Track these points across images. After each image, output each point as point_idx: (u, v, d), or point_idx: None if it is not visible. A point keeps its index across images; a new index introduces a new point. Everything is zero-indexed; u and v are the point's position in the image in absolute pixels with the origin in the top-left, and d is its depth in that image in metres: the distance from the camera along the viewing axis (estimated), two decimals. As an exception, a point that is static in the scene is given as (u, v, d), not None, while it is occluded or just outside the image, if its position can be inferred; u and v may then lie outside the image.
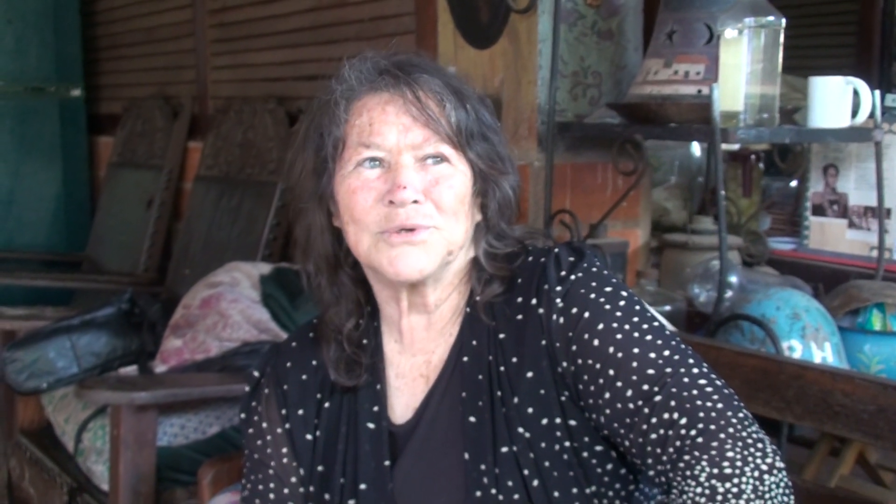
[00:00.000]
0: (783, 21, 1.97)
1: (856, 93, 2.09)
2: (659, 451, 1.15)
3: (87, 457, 2.50)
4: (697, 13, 2.16)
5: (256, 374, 1.42)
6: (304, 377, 1.38)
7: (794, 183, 2.65)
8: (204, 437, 2.45)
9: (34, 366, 2.70)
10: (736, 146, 2.53)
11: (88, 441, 2.52)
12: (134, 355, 2.82)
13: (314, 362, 1.38)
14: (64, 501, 2.57)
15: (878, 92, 2.11)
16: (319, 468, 1.36)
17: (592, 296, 1.24)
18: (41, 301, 3.80)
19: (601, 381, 1.20)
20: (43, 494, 2.73)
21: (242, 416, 1.42)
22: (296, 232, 1.38)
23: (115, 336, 2.81)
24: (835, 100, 2.09)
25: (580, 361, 1.22)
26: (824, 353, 1.92)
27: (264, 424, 1.39)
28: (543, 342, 1.25)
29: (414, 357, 1.35)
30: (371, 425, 1.34)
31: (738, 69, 1.96)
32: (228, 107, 3.66)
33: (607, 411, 1.20)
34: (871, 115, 2.10)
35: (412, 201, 1.24)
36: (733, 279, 2.14)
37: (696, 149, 2.80)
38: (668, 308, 2.24)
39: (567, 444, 1.24)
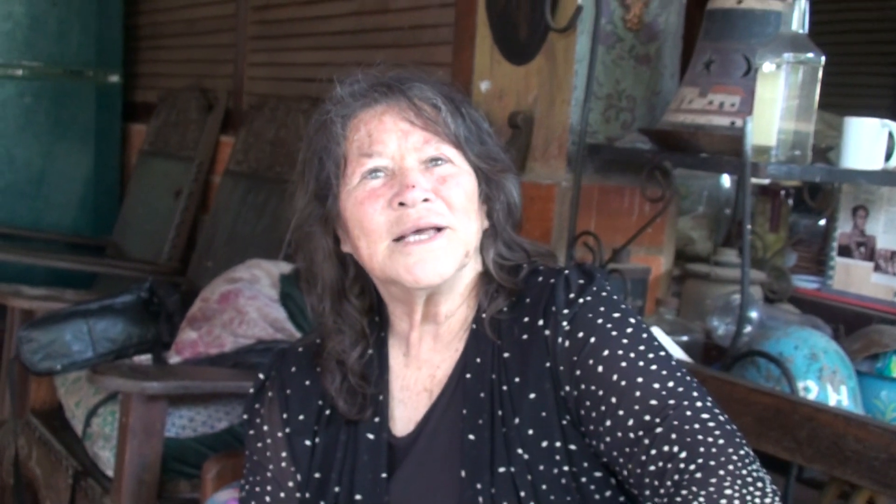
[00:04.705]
0: (823, 59, 1.95)
1: (891, 135, 2.07)
2: (657, 483, 1.13)
3: (94, 441, 2.51)
4: (737, 44, 2.14)
5: (261, 376, 1.42)
6: (307, 382, 1.38)
7: (822, 221, 2.62)
8: (212, 432, 2.45)
9: (50, 347, 2.71)
10: (766, 181, 2.51)
11: (97, 426, 2.52)
12: (149, 344, 2.83)
13: (319, 368, 1.38)
14: (68, 484, 2.58)
15: (913, 136, 2.08)
16: (316, 475, 1.35)
17: (600, 321, 1.23)
18: (63, 283, 3.82)
19: (603, 408, 1.19)
20: (48, 475, 2.74)
21: (245, 417, 1.42)
22: (298, 260, 1.37)
23: (131, 323, 2.82)
24: (869, 141, 2.07)
25: (583, 387, 1.22)
26: (840, 397, 1.90)
27: (265, 427, 1.39)
28: (548, 364, 1.24)
29: (419, 370, 1.35)
30: (371, 436, 1.33)
31: (774, 104, 1.94)
32: (263, 104, 3.67)
33: (607, 439, 1.19)
34: (905, 160, 2.08)
35: (422, 200, 1.24)
36: (753, 314, 2.12)
37: (725, 180, 2.78)
38: (685, 338, 2.22)
39: (566, 468, 1.23)
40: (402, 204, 1.24)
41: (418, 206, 1.24)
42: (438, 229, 1.24)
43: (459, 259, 1.26)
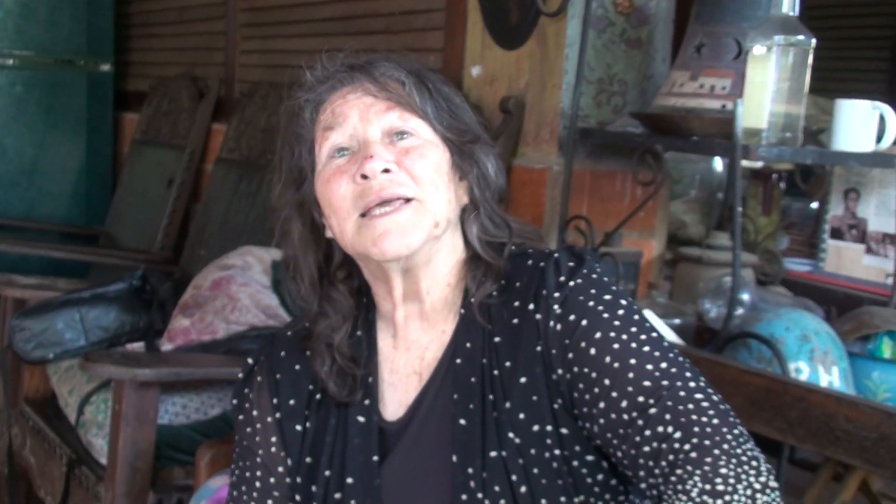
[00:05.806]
0: (813, 41, 1.95)
1: (882, 118, 2.07)
2: (651, 463, 1.14)
3: (87, 429, 2.51)
4: (727, 27, 2.14)
5: (250, 361, 1.42)
6: (297, 367, 1.38)
7: (814, 204, 2.62)
8: (205, 418, 2.45)
9: (42, 336, 2.70)
10: (758, 164, 2.51)
11: (90, 414, 2.52)
12: (142, 332, 2.83)
13: (308, 352, 1.37)
14: (62, 472, 2.58)
15: (904, 118, 2.08)
16: (307, 459, 1.35)
17: (591, 303, 1.23)
18: (56, 272, 3.81)
19: (596, 390, 1.19)
20: (42, 464, 2.74)
21: (234, 402, 1.42)
22: (282, 248, 1.38)
23: (124, 311, 2.82)
24: (860, 124, 2.07)
25: (576, 370, 1.21)
26: (831, 378, 1.90)
27: (255, 412, 1.38)
28: (539, 348, 1.24)
29: (408, 352, 1.34)
30: (361, 419, 1.33)
31: (764, 87, 1.94)
32: (254, 91, 3.66)
33: (601, 421, 1.19)
34: (896, 142, 2.08)
35: (382, 170, 1.24)
36: (745, 297, 2.12)
37: (718, 164, 2.78)
38: (677, 321, 2.23)
39: (557, 451, 1.23)
40: (364, 177, 1.24)
41: (379, 178, 1.23)
42: (407, 200, 1.24)
43: (427, 230, 1.25)
